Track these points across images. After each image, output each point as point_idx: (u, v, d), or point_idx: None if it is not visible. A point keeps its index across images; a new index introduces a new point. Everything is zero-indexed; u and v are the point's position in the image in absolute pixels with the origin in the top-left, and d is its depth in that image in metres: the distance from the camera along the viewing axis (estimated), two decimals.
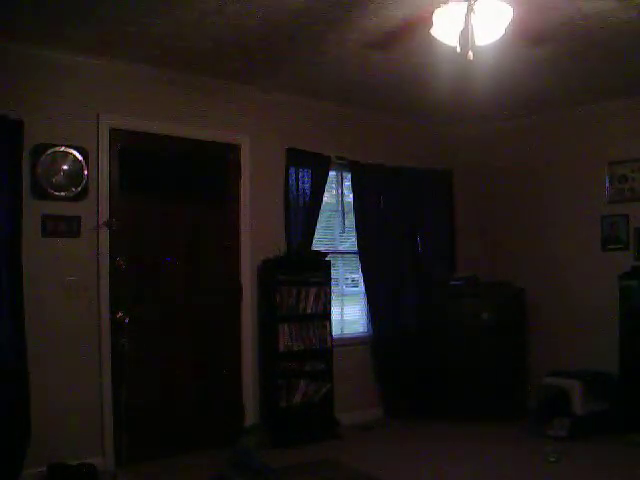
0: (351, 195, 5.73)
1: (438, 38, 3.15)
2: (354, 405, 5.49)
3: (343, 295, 5.86)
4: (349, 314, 5.88)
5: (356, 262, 5.78)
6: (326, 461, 4.46)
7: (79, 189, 4.22)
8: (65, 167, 4.16)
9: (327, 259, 5.28)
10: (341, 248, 5.84)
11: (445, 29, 3.03)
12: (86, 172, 4.24)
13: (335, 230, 5.79)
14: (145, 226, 4.58)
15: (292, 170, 5.28)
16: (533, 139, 6.04)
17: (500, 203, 6.30)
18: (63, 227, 4.17)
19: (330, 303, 5.24)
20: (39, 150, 4.06)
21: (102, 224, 4.26)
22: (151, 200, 4.63)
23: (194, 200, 4.83)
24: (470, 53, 3.00)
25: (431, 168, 6.12)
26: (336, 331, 5.46)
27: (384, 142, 5.90)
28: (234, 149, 5.01)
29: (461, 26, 2.95)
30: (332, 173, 5.65)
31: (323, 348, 5.15)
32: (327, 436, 5.02)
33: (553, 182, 5.86)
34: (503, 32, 3.03)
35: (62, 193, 4.16)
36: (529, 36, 3.78)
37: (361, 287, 5.82)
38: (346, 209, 5.78)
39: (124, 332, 3.94)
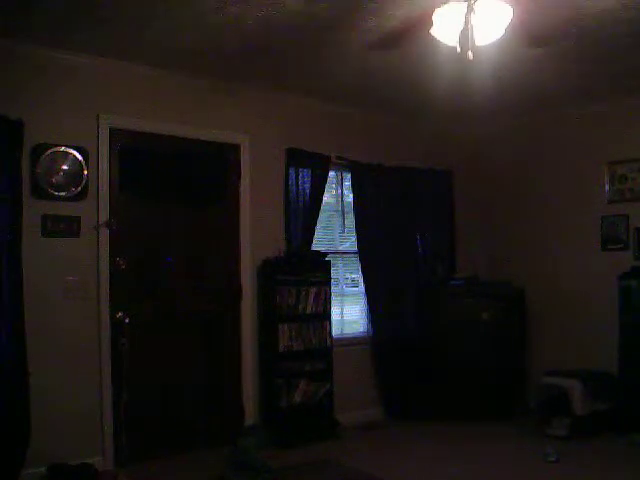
0: (351, 195, 5.73)
1: (438, 38, 3.15)
2: (354, 405, 5.49)
3: (343, 295, 5.86)
4: (349, 314, 5.88)
5: (356, 262, 5.78)
6: (326, 461, 4.46)
7: (79, 189, 4.22)
8: (65, 167, 4.16)
9: (327, 259, 5.28)
10: (341, 248, 5.84)
11: (445, 29, 3.03)
12: (86, 172, 4.24)
13: (335, 230, 5.79)
14: (145, 226, 4.58)
15: (292, 170, 5.27)
16: (533, 139, 6.04)
17: (500, 203, 6.30)
18: (63, 227, 4.16)
19: (330, 303, 5.24)
20: (39, 150, 4.05)
21: (102, 224, 4.26)
22: (151, 200, 4.63)
23: (194, 200, 4.83)
24: (470, 53, 3.00)
25: (431, 168, 6.12)
26: (336, 331, 5.46)
27: (384, 142, 5.90)
28: (234, 149, 5.01)
29: (461, 26, 2.95)
30: (332, 173, 5.65)
31: (323, 348, 5.15)
32: (327, 436, 5.02)
33: (553, 182, 5.86)
34: (503, 32, 3.03)
35: (62, 193, 4.16)
36: (529, 37, 3.79)
37: (361, 287, 5.82)
38: (346, 209, 5.78)
39: (124, 332, 3.95)
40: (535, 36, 3.73)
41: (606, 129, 5.47)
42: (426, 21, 3.24)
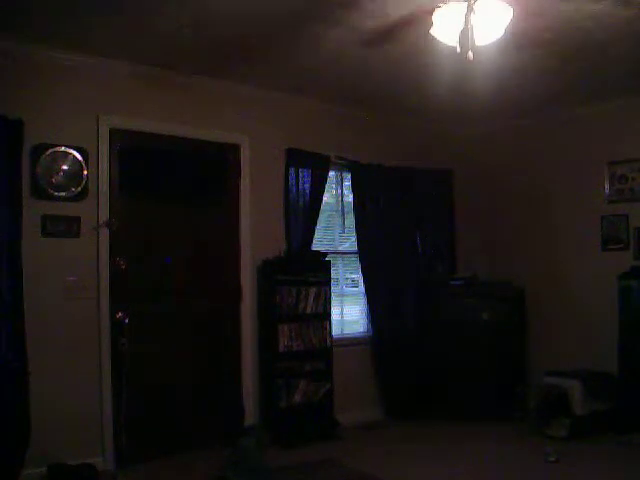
0: (351, 195, 5.73)
1: (438, 38, 3.15)
2: (354, 405, 5.49)
3: (343, 295, 5.86)
4: (349, 314, 5.88)
5: (356, 262, 5.78)
6: (326, 461, 4.46)
7: (79, 189, 4.22)
8: (65, 167, 4.16)
9: (327, 259, 5.28)
10: (341, 248, 5.83)
11: (445, 29, 3.03)
12: (86, 172, 4.24)
13: (335, 230, 5.79)
14: (145, 226, 4.58)
15: (292, 170, 5.27)
16: (533, 139, 6.04)
17: (500, 203, 6.30)
18: (63, 227, 4.17)
19: (330, 303, 5.23)
20: (39, 150, 4.05)
21: (102, 224, 4.26)
22: (151, 200, 4.63)
23: (194, 200, 4.83)
24: (470, 53, 3.00)
25: (431, 168, 6.12)
26: (336, 331, 5.46)
27: (384, 142, 5.90)
28: (234, 149, 5.01)
29: (461, 26, 2.95)
30: (332, 173, 5.65)
31: (323, 348, 5.15)
32: (327, 436, 5.01)
33: (553, 182, 5.85)
34: (503, 32, 3.03)
35: (62, 193, 4.16)
36: (528, 38, 3.79)
37: (361, 287, 5.82)
38: (346, 209, 5.78)
39: (124, 332, 3.94)
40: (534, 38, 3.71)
41: (606, 129, 5.46)
42: (424, 19, 3.24)
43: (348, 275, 5.96)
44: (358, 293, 5.92)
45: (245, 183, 5.03)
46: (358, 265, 5.75)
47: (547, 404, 5.06)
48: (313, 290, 5.11)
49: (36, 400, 3.92)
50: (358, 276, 5.84)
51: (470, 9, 2.91)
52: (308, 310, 5.09)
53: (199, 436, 4.67)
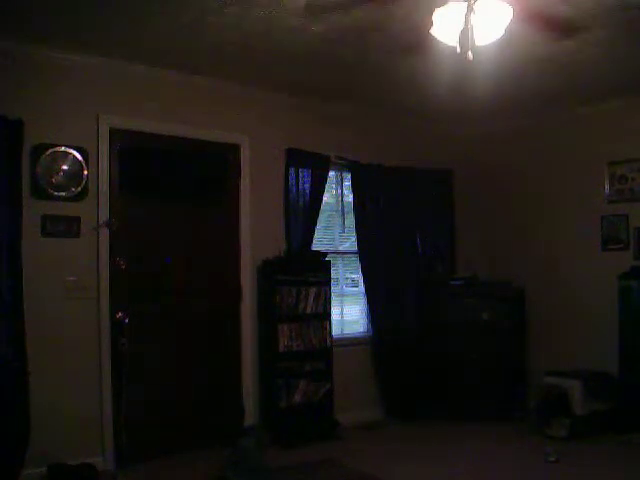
0: (351, 195, 5.73)
1: (438, 38, 3.15)
2: (354, 405, 5.48)
3: (343, 295, 5.86)
4: (349, 314, 5.88)
5: (356, 262, 5.78)
6: (326, 461, 4.46)
7: (79, 189, 4.22)
8: (65, 167, 4.17)
9: (327, 259, 5.27)
10: (341, 248, 5.83)
11: (445, 29, 3.03)
12: (86, 172, 4.24)
13: (335, 230, 5.79)
14: (145, 226, 4.58)
15: (292, 170, 5.27)
16: (533, 139, 6.04)
17: (500, 203, 6.30)
18: (63, 227, 4.17)
19: (330, 303, 5.23)
20: (39, 150, 4.06)
21: (102, 224, 4.26)
22: (151, 200, 4.63)
23: (194, 200, 4.84)
24: (470, 53, 3.00)
25: (431, 168, 6.11)
26: (336, 331, 5.46)
27: (384, 142, 5.90)
28: (234, 149, 5.01)
29: (461, 26, 2.95)
30: (332, 173, 5.65)
31: (323, 348, 5.15)
32: (327, 436, 5.01)
33: (553, 182, 5.86)
34: (503, 32, 3.03)
35: (62, 193, 4.16)
36: (528, 38, 3.79)
37: (361, 287, 5.82)
38: (346, 209, 5.78)
39: (124, 332, 3.94)
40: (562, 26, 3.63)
41: (606, 129, 5.47)
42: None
43: (348, 275, 5.96)
44: (358, 293, 5.92)
45: (245, 183, 5.03)
46: (358, 265, 5.75)
47: (547, 404, 5.07)
48: (313, 290, 5.11)
49: (36, 400, 3.92)
50: (358, 276, 5.84)
51: (470, 9, 2.91)
52: (308, 310, 5.09)
53: (199, 436, 4.68)
